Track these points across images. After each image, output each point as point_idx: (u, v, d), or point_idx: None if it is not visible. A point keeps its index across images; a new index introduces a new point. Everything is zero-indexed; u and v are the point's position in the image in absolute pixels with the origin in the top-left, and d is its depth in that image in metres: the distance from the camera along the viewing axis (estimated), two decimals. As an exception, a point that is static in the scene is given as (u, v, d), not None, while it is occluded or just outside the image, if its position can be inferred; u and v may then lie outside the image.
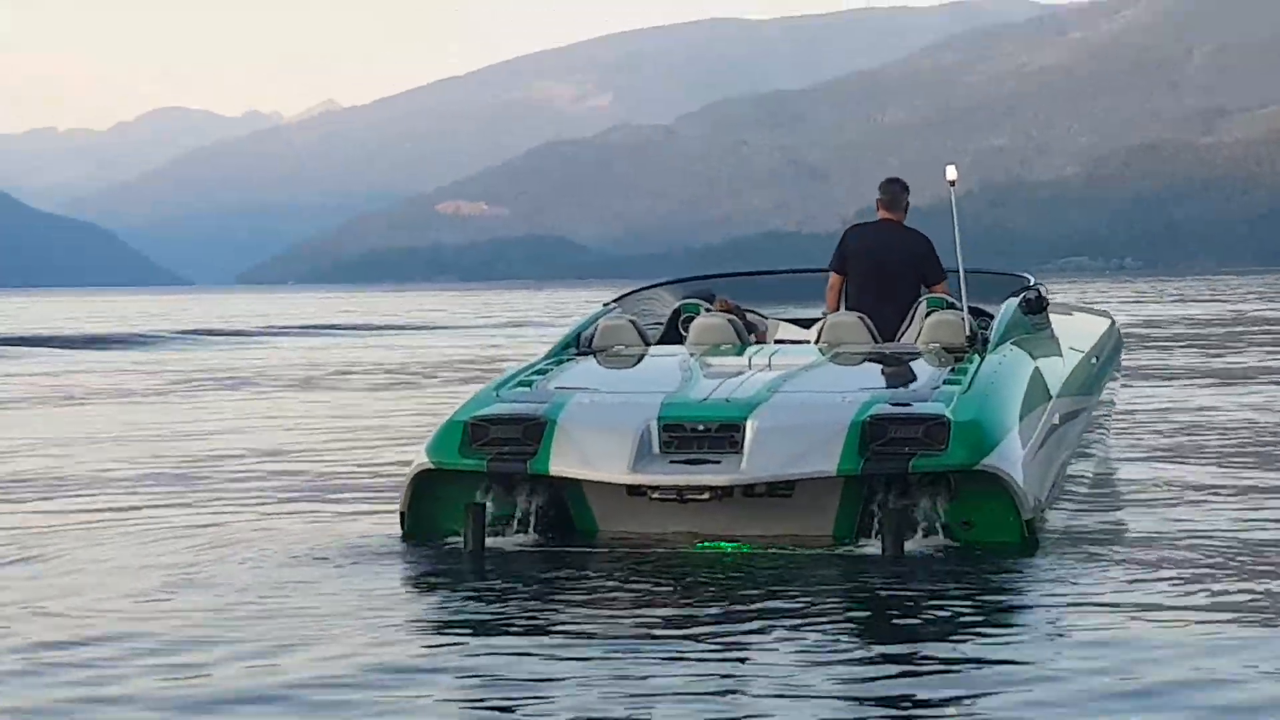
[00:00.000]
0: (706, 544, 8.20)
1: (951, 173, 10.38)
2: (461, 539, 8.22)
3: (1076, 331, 11.46)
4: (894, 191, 11.09)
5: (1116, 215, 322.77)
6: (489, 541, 8.22)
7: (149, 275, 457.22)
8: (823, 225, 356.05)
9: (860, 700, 5.37)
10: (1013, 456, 8.01)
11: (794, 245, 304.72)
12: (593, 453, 8.13)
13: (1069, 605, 6.77)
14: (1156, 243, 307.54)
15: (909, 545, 7.88)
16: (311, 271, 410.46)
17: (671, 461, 8.10)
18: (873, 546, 7.95)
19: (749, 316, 10.94)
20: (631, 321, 10.31)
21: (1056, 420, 9.22)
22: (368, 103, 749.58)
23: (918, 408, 8.11)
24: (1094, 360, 11.19)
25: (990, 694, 5.42)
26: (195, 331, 45.32)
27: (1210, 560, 7.69)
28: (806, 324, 11.17)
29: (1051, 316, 10.99)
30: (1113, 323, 13.16)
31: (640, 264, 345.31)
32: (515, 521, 8.43)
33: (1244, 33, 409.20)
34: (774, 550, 8.02)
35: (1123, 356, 13.51)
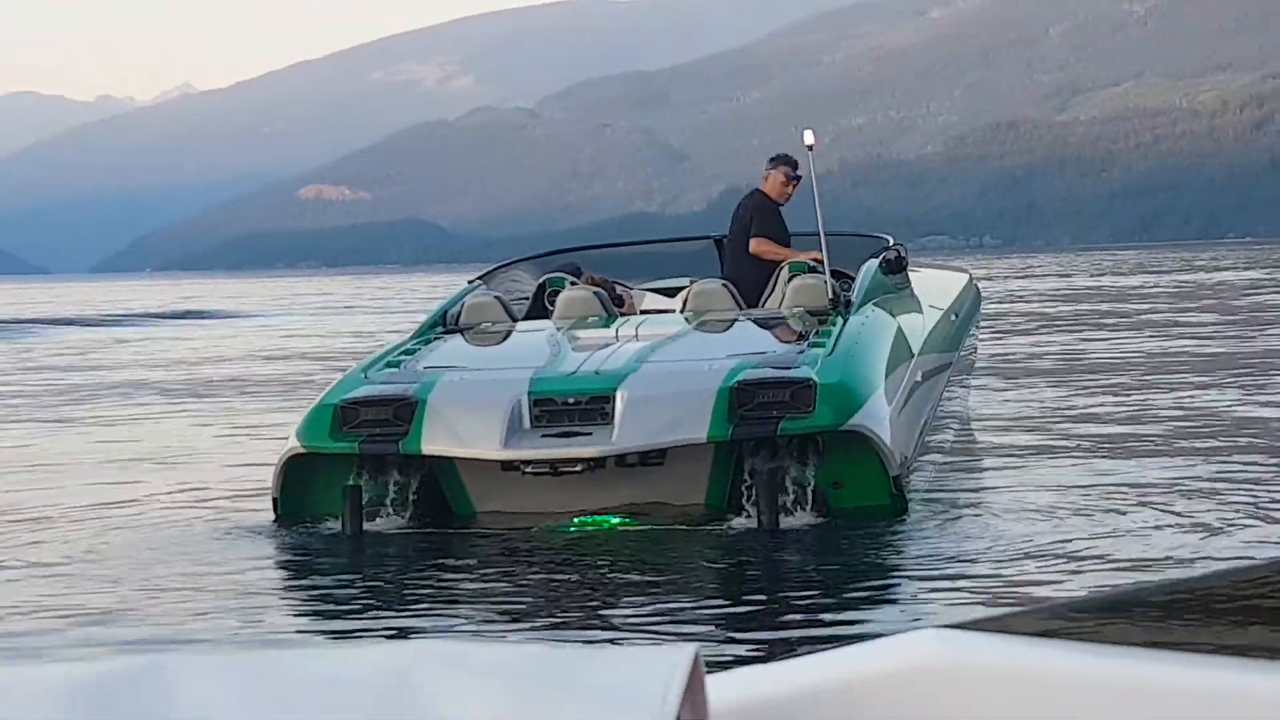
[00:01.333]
0: (583, 519, 8.20)
1: (809, 137, 10.51)
2: (339, 522, 8.17)
3: (936, 289, 11.62)
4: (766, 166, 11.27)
5: (976, 193, 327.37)
6: (365, 525, 8.16)
7: (2, 264, 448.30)
8: (685, 206, 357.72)
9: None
10: (878, 415, 8.18)
11: (658, 226, 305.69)
12: (464, 430, 8.12)
13: (937, 575, 6.85)
14: (1015, 220, 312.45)
15: (783, 520, 7.94)
16: (171, 259, 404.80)
17: (543, 435, 8.11)
18: (748, 521, 7.99)
19: (615, 289, 10.95)
20: (497, 298, 10.28)
21: (919, 378, 9.39)
22: (225, 86, 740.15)
23: (784, 372, 8.20)
24: (953, 316, 11.35)
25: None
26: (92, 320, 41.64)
27: (1063, 517, 7.82)
28: (671, 293, 11.22)
29: (911, 276, 11.12)
30: (970, 278, 13.32)
31: (506, 246, 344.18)
32: (389, 503, 8.39)
33: (1098, 12, 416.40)
34: (650, 526, 8.04)
35: (981, 311, 13.70)
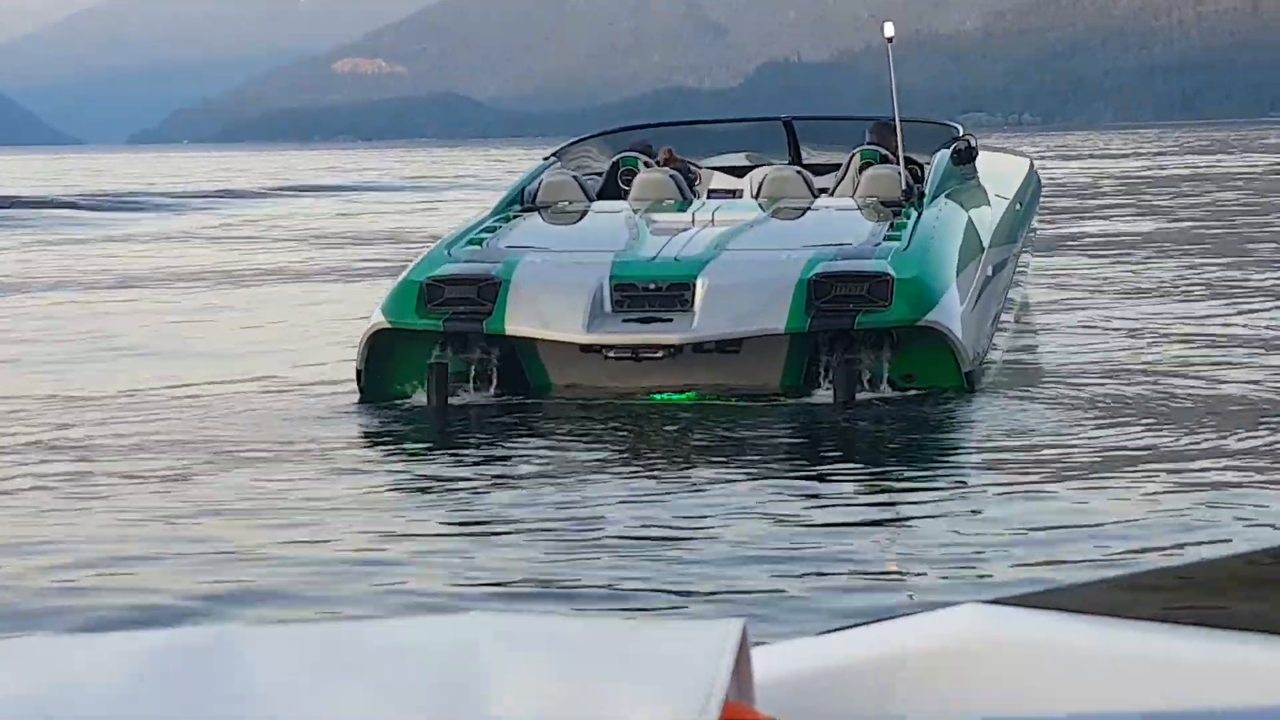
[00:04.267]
0: (663, 394, 8.47)
1: (889, 29, 10.74)
2: (425, 397, 8.41)
3: (999, 177, 11.73)
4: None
5: (1015, 69, 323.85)
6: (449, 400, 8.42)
7: (37, 134, 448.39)
8: (723, 80, 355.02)
9: (807, 538, 5.74)
10: (953, 311, 8.37)
11: (696, 101, 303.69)
12: (548, 312, 8.35)
13: (1003, 444, 7.20)
14: (1055, 97, 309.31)
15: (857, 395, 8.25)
16: (206, 132, 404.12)
17: (624, 320, 8.36)
18: (823, 395, 8.30)
19: (689, 168, 11.09)
20: (574, 177, 10.41)
21: (990, 271, 9.54)
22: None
23: (861, 265, 8.39)
24: (1018, 206, 11.49)
25: (926, 530, 5.86)
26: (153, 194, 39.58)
27: (1125, 395, 8.19)
28: (738, 172, 11.38)
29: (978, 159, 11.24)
30: (1031, 165, 13.43)
31: (543, 122, 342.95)
32: (471, 378, 8.59)
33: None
34: (726, 400, 8.33)
35: (1040, 200, 13.78)
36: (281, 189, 42.02)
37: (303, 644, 0.81)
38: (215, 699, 0.76)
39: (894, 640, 0.97)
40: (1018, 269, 11.66)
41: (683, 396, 8.40)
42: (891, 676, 0.94)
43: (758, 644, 0.83)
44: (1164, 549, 5.52)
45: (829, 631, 1.00)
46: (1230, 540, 5.66)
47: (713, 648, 0.77)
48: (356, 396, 8.58)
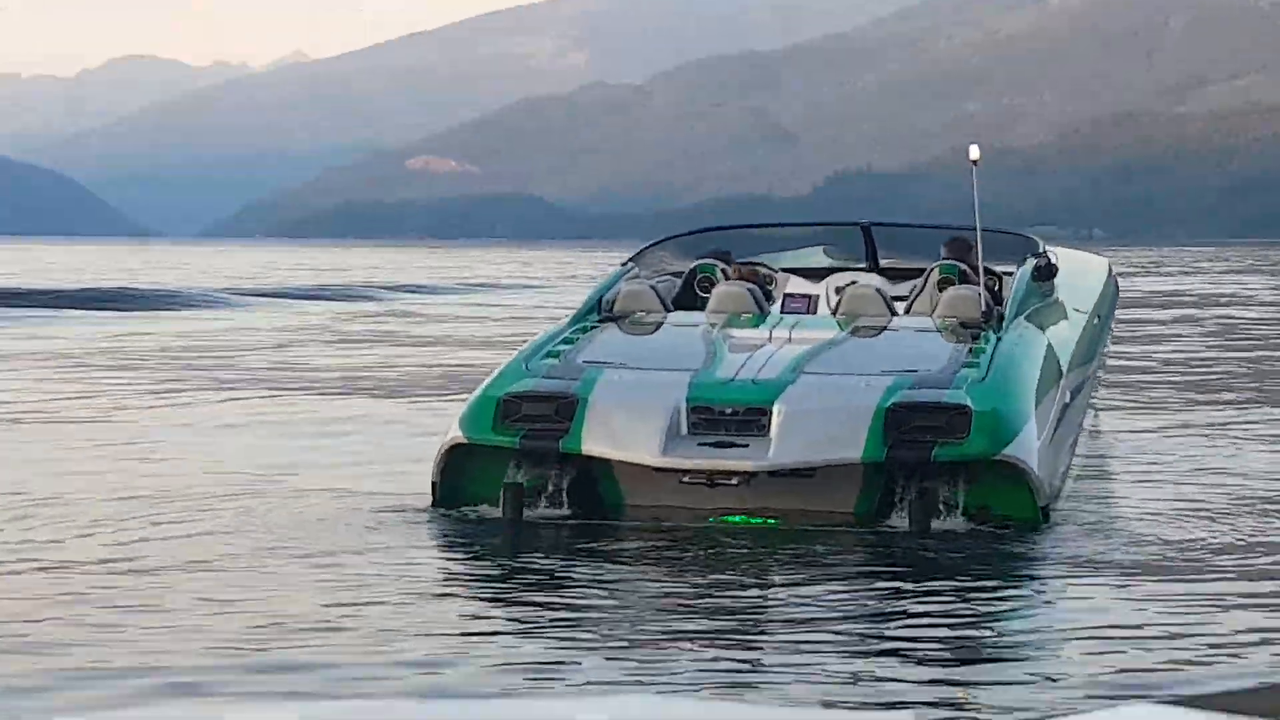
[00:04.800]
0: (737, 517, 8.45)
1: (974, 152, 10.58)
2: (499, 511, 8.45)
3: (1077, 286, 11.49)
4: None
5: (1087, 184, 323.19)
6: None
7: (113, 225, 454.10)
8: (793, 189, 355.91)
9: (877, 666, 5.64)
10: (1030, 445, 8.31)
11: (765, 208, 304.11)
12: (624, 433, 8.35)
13: (1075, 575, 7.26)
14: (1127, 213, 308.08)
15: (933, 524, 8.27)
16: (277, 226, 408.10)
17: (700, 444, 8.32)
18: (898, 522, 8.30)
19: (761, 270, 11.08)
20: (652, 287, 10.35)
21: (1068, 398, 9.42)
22: (337, 54, 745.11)
23: (939, 395, 8.32)
24: (1096, 320, 11.33)
25: (1001, 668, 5.75)
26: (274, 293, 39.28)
27: (1201, 536, 8.08)
28: (815, 275, 11.34)
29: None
30: (1109, 269, 13.11)
31: (613, 223, 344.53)
32: (545, 496, 8.61)
33: (1219, 2, 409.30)
34: (803, 527, 8.27)
35: (1118, 303, 13.60)
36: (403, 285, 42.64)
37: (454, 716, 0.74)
38: None
39: None
40: (1096, 382, 11.46)
41: (758, 521, 8.35)
42: None
43: None
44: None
45: None
46: None
47: None
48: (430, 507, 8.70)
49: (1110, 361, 13.56)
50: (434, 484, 8.66)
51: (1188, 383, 16.16)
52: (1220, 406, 14.12)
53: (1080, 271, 12.28)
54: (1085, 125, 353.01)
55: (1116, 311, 13.39)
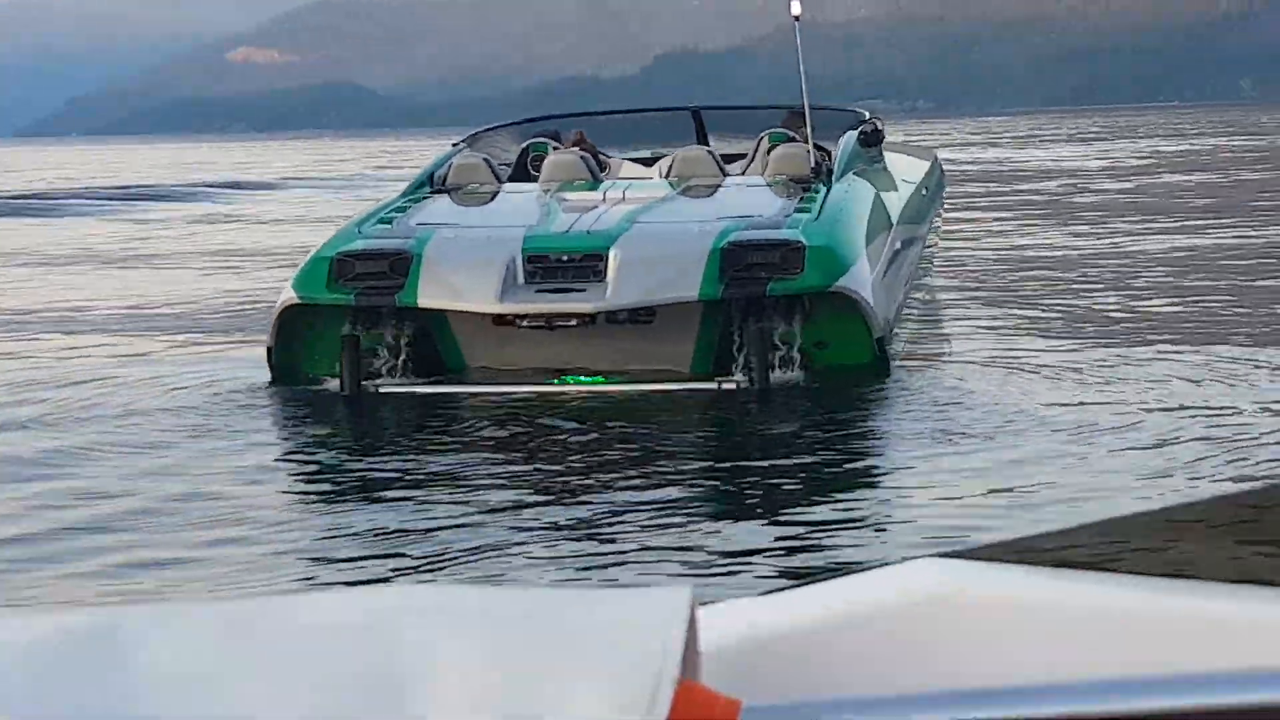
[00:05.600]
0: (568, 379, 8.36)
1: (796, 7, 10.78)
2: (337, 377, 8.27)
3: (905, 165, 11.95)
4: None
5: (910, 57, 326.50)
6: (362, 383, 8.24)
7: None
8: (623, 69, 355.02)
9: (724, 537, 5.53)
10: (863, 279, 8.43)
11: (596, 90, 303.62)
12: (460, 284, 8.32)
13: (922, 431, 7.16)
14: (949, 85, 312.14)
15: (771, 378, 8.18)
16: (97, 125, 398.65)
17: (538, 290, 8.33)
18: (736, 382, 8.16)
19: (599, 156, 11.12)
20: (485, 160, 10.45)
21: (899, 246, 9.71)
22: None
23: (772, 234, 8.47)
24: (924, 191, 11.68)
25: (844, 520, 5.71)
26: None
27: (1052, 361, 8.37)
28: (649, 163, 11.44)
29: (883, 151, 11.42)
30: (935, 158, 13.70)
31: (442, 111, 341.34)
32: (383, 355, 8.55)
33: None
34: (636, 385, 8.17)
35: (945, 191, 14.02)
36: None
37: (203, 624, 0.73)
38: (104, 689, 0.69)
39: (848, 597, 0.92)
40: (924, 254, 11.78)
41: (591, 380, 8.34)
42: (847, 635, 0.90)
43: (702, 604, 0.77)
44: (1130, 498, 5.53)
45: (777, 591, 0.94)
46: (1202, 484, 5.70)
47: (661, 618, 0.73)
48: (269, 377, 8.48)
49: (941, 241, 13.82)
50: (269, 349, 8.55)
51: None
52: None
53: (906, 154, 12.86)
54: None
55: (944, 196, 13.67)
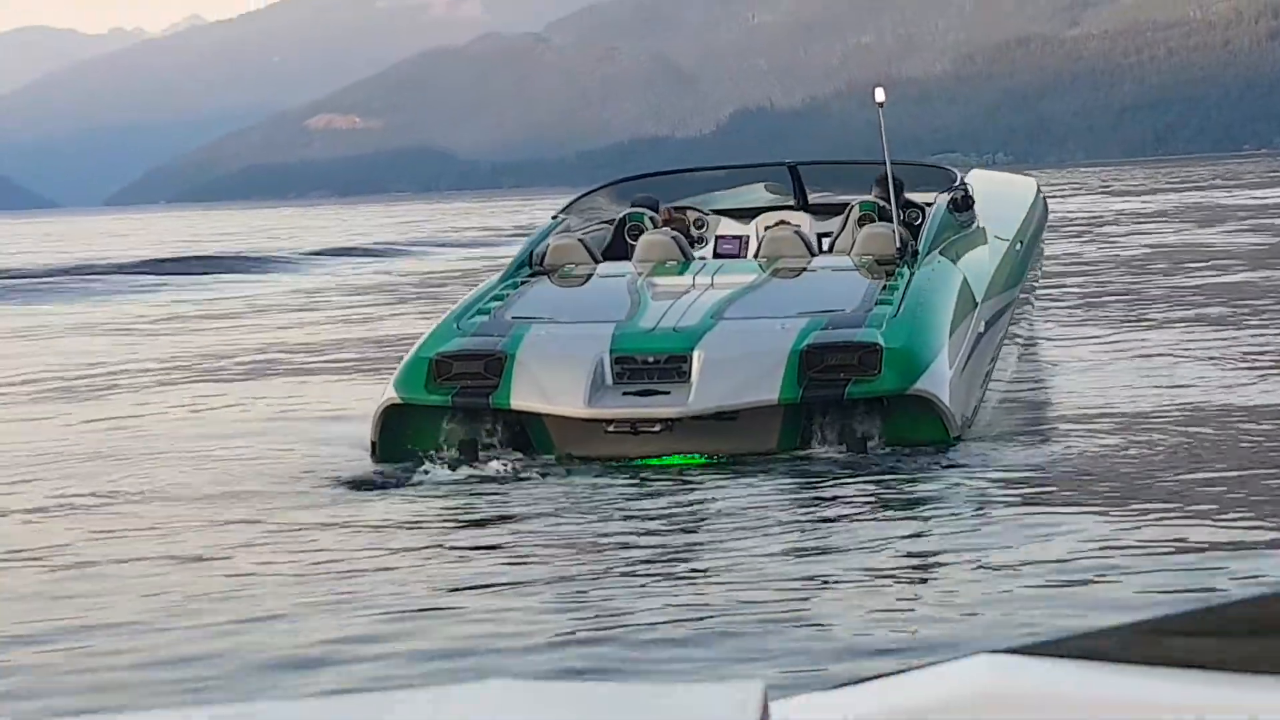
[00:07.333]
0: (666, 459, 8.68)
1: (880, 95, 11.01)
2: (440, 456, 8.79)
3: (1001, 213, 11.86)
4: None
5: (986, 110, 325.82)
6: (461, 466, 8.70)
7: (13, 199, 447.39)
8: (695, 128, 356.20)
9: (819, 585, 5.95)
10: (941, 378, 8.64)
11: (669, 148, 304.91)
12: (551, 387, 8.70)
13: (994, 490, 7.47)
14: (1027, 137, 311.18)
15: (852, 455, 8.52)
16: (182, 191, 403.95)
17: (624, 394, 8.66)
18: (821, 451, 8.58)
19: (690, 214, 11.49)
20: (580, 240, 10.66)
21: (982, 328, 9.81)
22: (233, 17, 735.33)
23: (851, 334, 8.71)
24: (1019, 246, 11.65)
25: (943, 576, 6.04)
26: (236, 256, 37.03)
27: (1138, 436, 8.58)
28: (743, 216, 11.68)
29: (979, 195, 11.31)
30: (1038, 189, 13.50)
31: (518, 172, 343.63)
32: (480, 446, 8.93)
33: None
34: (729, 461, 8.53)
35: (1048, 222, 13.85)
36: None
37: (327, 717, 0.78)
38: None
39: (909, 693, 0.95)
40: (1019, 312, 11.84)
41: (684, 459, 8.64)
42: None
43: (775, 699, 0.81)
44: (1188, 592, 5.55)
45: (844, 685, 0.97)
46: (1259, 580, 5.67)
47: (734, 711, 0.76)
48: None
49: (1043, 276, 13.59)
50: (373, 444, 8.89)
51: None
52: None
53: (1004, 196, 12.60)
54: (979, 52, 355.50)
55: (1047, 229, 13.59)
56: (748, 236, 11.03)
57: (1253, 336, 12.91)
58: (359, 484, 8.42)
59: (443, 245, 42.34)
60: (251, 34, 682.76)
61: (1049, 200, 14.12)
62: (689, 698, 0.76)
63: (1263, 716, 0.84)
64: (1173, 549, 6.20)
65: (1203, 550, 6.16)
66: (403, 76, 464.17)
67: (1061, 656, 0.94)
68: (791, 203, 12.09)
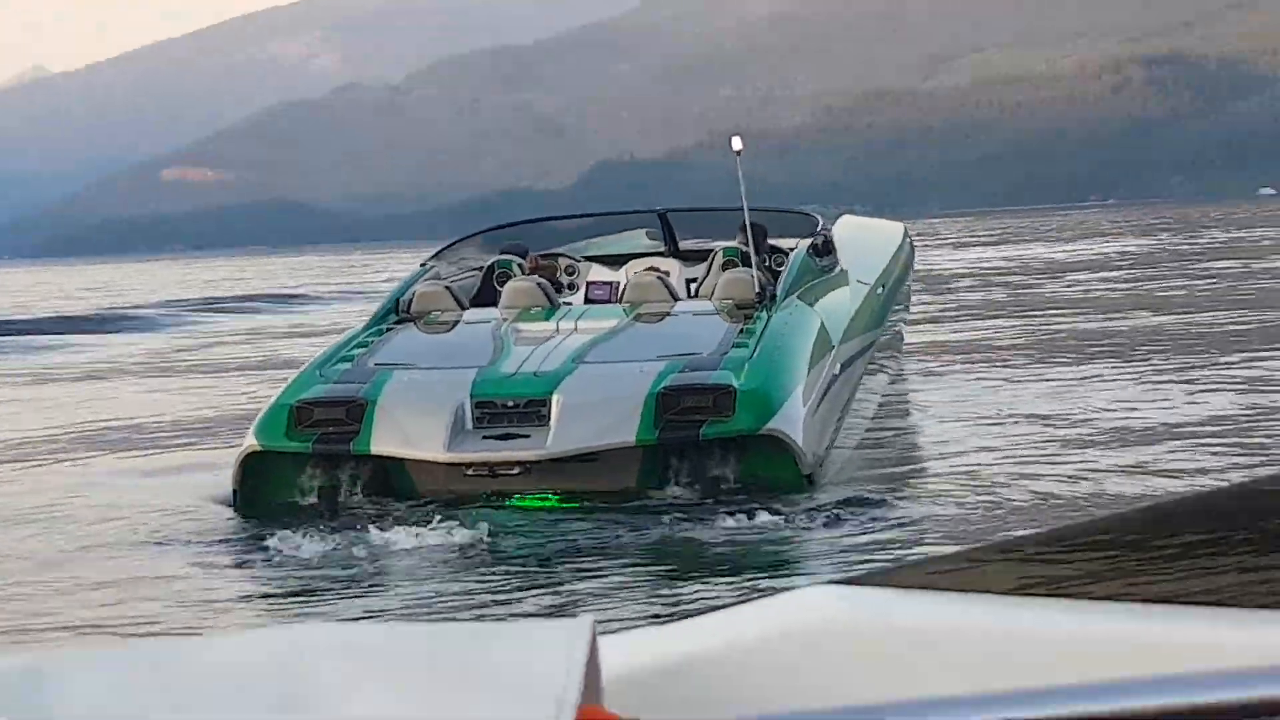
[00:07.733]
0: (524, 500, 8.84)
1: (737, 143, 11.03)
2: (300, 501, 9.00)
3: (865, 259, 12.03)
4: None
5: (846, 162, 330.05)
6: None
7: None
8: (558, 179, 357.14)
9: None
10: (794, 418, 8.84)
11: (533, 200, 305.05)
12: (412, 432, 8.81)
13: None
14: (886, 188, 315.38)
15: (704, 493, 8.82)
16: (32, 247, 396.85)
17: (484, 437, 8.79)
18: (676, 491, 8.84)
19: (562, 261, 11.69)
20: (448, 287, 10.77)
21: (838, 370, 9.99)
22: (80, 68, 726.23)
23: (706, 377, 8.86)
24: (880, 289, 11.85)
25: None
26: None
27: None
28: (614, 262, 11.88)
29: (842, 240, 11.61)
30: (905, 233, 13.65)
31: (380, 226, 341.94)
32: (342, 491, 9.06)
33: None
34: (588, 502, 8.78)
35: (915, 262, 14.17)
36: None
37: (121, 667, 0.75)
38: None
39: (741, 627, 0.94)
40: (880, 356, 11.99)
41: (540, 501, 8.76)
42: (742, 662, 0.91)
43: (601, 634, 0.80)
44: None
45: (674, 620, 0.96)
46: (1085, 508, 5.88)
47: (562, 649, 0.74)
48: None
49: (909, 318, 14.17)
50: (234, 491, 9.02)
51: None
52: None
53: (869, 241, 12.83)
54: (837, 105, 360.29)
55: (913, 273, 14.08)
56: (619, 283, 11.27)
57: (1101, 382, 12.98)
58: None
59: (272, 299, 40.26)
60: (99, 86, 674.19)
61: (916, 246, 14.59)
62: (511, 637, 0.76)
63: (1103, 644, 0.88)
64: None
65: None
66: (258, 129, 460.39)
67: (895, 586, 0.95)
68: (663, 249, 12.42)
